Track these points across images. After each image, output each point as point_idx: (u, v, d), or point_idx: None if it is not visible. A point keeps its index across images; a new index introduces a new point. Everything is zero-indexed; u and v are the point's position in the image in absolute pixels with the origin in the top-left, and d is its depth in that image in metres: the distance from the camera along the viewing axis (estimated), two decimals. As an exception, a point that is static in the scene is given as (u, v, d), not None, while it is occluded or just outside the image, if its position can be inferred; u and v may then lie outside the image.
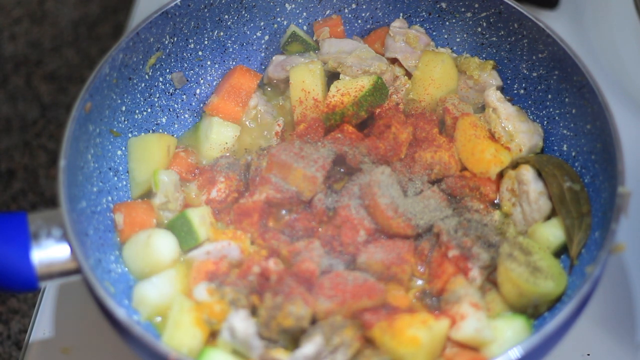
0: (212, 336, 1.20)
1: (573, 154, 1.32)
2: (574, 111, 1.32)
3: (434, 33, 1.47)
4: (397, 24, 1.46)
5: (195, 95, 1.44)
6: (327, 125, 1.35)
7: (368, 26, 1.49)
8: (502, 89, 1.41)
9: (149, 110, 1.39)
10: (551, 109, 1.36)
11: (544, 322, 1.18)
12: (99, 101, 1.28)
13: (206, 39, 1.42)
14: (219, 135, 1.39)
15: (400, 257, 1.24)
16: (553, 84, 1.35)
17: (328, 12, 1.47)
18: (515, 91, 1.41)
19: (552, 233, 1.25)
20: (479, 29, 1.42)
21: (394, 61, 1.44)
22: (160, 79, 1.40)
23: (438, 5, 1.44)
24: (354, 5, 1.47)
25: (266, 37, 1.47)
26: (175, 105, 1.42)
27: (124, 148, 1.35)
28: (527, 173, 1.28)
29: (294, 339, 1.18)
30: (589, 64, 1.28)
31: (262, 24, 1.46)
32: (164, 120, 1.41)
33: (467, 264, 1.22)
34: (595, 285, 1.13)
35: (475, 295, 1.20)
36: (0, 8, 2.06)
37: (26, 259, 1.14)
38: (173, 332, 1.17)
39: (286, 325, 1.16)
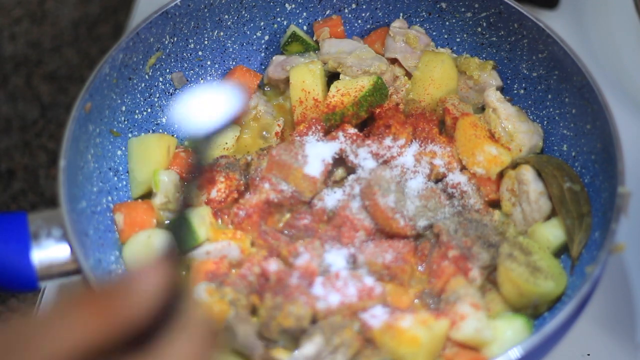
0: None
1: (573, 154, 1.32)
2: (574, 111, 1.32)
3: (434, 33, 1.47)
4: (397, 24, 1.46)
5: (195, 95, 1.44)
6: (327, 125, 1.35)
7: (368, 26, 1.49)
8: (502, 89, 1.41)
9: (149, 110, 1.39)
10: (551, 109, 1.36)
11: (544, 322, 1.18)
12: (99, 101, 1.28)
13: (206, 39, 1.42)
14: (219, 135, 1.38)
15: (400, 257, 1.24)
16: (553, 84, 1.35)
17: (328, 12, 1.47)
18: (515, 91, 1.41)
19: (552, 233, 1.25)
20: (479, 29, 1.42)
21: (394, 61, 1.44)
22: (160, 79, 1.40)
23: (438, 5, 1.44)
24: (354, 5, 1.47)
25: (266, 37, 1.47)
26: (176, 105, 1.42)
27: (124, 148, 1.35)
28: (527, 173, 1.28)
29: (294, 339, 1.18)
30: (589, 64, 1.28)
31: (262, 24, 1.46)
32: (164, 120, 1.41)
33: (467, 264, 1.22)
34: (595, 285, 1.13)
35: (475, 295, 1.20)
36: (0, 8, 2.06)
37: (26, 259, 1.14)
38: (173, 332, 1.17)
39: (286, 325, 1.16)
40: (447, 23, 1.45)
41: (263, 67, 1.48)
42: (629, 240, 1.21)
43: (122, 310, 0.70)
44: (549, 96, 1.36)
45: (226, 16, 1.42)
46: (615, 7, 1.70)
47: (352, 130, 1.34)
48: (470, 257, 1.22)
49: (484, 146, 1.31)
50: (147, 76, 1.37)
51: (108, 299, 0.71)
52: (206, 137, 0.75)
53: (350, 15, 1.48)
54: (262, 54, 1.48)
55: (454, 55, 1.45)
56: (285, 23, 1.47)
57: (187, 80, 1.43)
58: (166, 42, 1.37)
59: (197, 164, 0.76)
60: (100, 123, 1.30)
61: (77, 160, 1.23)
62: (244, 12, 1.43)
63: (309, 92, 1.38)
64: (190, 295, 0.75)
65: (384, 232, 1.27)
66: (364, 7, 1.47)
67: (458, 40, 1.45)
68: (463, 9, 1.42)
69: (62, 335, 0.68)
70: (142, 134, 1.38)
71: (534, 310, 1.21)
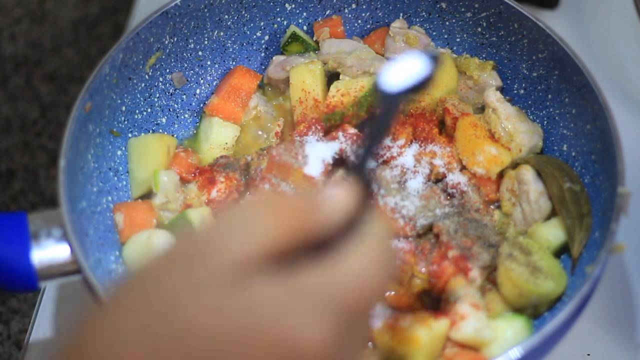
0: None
1: (573, 154, 1.32)
2: (574, 111, 1.32)
3: (434, 33, 1.47)
4: (397, 24, 1.46)
5: (195, 95, 1.44)
6: (327, 125, 1.35)
7: (368, 26, 1.49)
8: (502, 89, 1.41)
9: (149, 110, 1.39)
10: (551, 109, 1.36)
11: (544, 322, 1.18)
12: (99, 101, 1.28)
13: (206, 39, 1.42)
14: (219, 135, 1.39)
15: (400, 257, 1.24)
16: (553, 84, 1.35)
17: (328, 12, 1.47)
18: (515, 91, 1.41)
19: (552, 233, 1.25)
20: (479, 29, 1.42)
21: (394, 61, 1.44)
22: (160, 79, 1.40)
23: (438, 5, 1.44)
24: (354, 5, 1.47)
25: (266, 37, 1.47)
26: (175, 105, 1.42)
27: (124, 148, 1.35)
28: (527, 173, 1.28)
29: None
30: (589, 64, 1.27)
31: (262, 24, 1.46)
32: (164, 120, 1.41)
33: (467, 264, 1.22)
34: (595, 285, 1.13)
35: (475, 295, 1.20)
36: (0, 8, 2.06)
37: (26, 259, 1.14)
38: (173, 332, 1.17)
39: (286, 325, 1.16)
40: (447, 23, 1.45)
41: (263, 67, 1.48)
42: (629, 240, 1.21)
43: (312, 216, 0.72)
44: (549, 96, 1.36)
45: (226, 16, 1.42)
46: (615, 7, 1.70)
47: (352, 130, 1.34)
48: (470, 257, 1.22)
49: (484, 146, 1.31)
50: (147, 76, 1.37)
51: (299, 204, 0.73)
52: (397, 94, 0.84)
53: (350, 15, 1.48)
54: (262, 54, 1.48)
55: (454, 55, 1.45)
56: (285, 23, 1.47)
57: (187, 80, 1.43)
58: (166, 42, 1.37)
59: (385, 118, 0.83)
60: (100, 123, 1.30)
61: (77, 160, 1.23)
62: (244, 12, 1.43)
63: (309, 92, 1.38)
64: (373, 215, 0.78)
65: (384, 232, 1.27)
66: (364, 7, 1.47)
67: (458, 40, 1.45)
68: (463, 9, 1.42)
69: (251, 238, 0.69)
70: (142, 134, 1.38)
71: (534, 310, 1.21)
